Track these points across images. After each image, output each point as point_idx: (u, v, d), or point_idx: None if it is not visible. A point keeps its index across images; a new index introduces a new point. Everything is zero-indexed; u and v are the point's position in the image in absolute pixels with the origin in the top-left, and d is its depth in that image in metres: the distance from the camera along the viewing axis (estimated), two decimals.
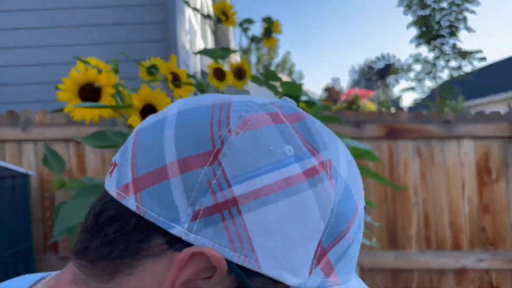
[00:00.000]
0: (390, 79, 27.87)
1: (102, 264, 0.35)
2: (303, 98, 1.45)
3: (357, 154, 1.52)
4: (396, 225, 2.48)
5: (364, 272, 2.42)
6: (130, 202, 0.34)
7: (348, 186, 0.36)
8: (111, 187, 0.36)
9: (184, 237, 0.32)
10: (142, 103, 0.82)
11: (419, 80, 9.58)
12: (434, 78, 8.99)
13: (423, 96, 11.98)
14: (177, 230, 0.32)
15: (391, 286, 2.45)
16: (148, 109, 0.82)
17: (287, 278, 0.33)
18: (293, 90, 1.43)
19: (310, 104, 1.42)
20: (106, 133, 0.92)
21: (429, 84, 9.76)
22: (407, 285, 2.45)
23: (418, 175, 2.49)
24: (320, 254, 0.34)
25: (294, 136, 0.35)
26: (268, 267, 0.33)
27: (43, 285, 0.40)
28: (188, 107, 0.36)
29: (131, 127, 0.89)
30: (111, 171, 0.37)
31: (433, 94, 9.60)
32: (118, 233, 0.34)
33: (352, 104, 10.29)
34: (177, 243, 0.33)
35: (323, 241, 0.34)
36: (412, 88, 10.02)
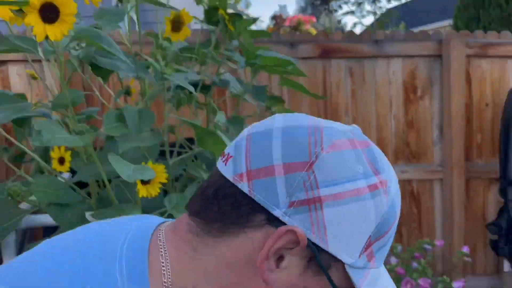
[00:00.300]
0: (333, 4, 27.66)
1: (216, 225, 0.49)
2: (230, 11, 1.41)
3: (290, 72, 1.53)
4: None
5: None
6: (244, 187, 0.48)
7: (394, 201, 0.50)
8: (228, 173, 0.49)
9: (281, 218, 0.46)
10: (41, 1, 0.75)
11: (359, 4, 9.60)
12: (374, 2, 9.03)
13: (362, 19, 12.08)
14: (277, 212, 0.46)
15: None
16: (48, 9, 0.76)
17: (343, 257, 0.48)
18: (219, 2, 1.38)
19: (237, 17, 1.39)
20: (8, 38, 0.85)
21: (368, 8, 9.82)
22: None
23: (349, 94, 2.57)
24: (368, 245, 0.49)
25: (364, 159, 0.49)
26: (333, 247, 0.47)
27: (165, 226, 0.54)
28: (290, 124, 0.50)
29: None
30: (226, 160, 0.51)
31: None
32: (232, 206, 0.48)
33: (296, 29, 10.19)
34: (275, 221, 0.47)
35: (371, 236, 0.49)
36: (352, 12, 10.05)
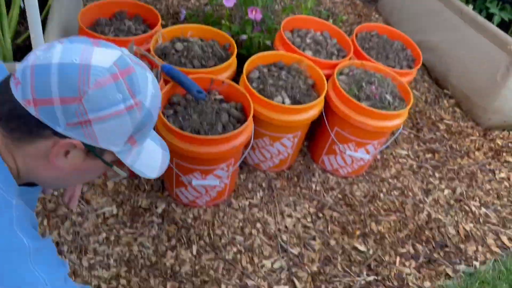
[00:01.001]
0: None
1: (16, 135, 0.69)
2: None
3: None
4: None
5: None
6: (31, 110, 0.66)
7: (149, 111, 0.74)
8: (18, 96, 0.66)
9: (63, 133, 0.68)
10: None
11: None
12: None
13: None
14: (59, 129, 0.68)
15: None
16: None
17: (112, 148, 0.73)
18: None
19: None
20: None
21: None
22: None
23: None
24: (129, 138, 0.74)
25: (124, 87, 0.69)
26: (103, 144, 0.72)
27: None
28: (65, 61, 0.66)
29: None
30: (16, 84, 0.67)
31: None
32: (25, 124, 0.67)
33: None
34: (59, 134, 0.68)
35: (132, 133, 0.74)
36: None
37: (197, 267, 1.61)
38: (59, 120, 0.66)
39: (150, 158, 0.82)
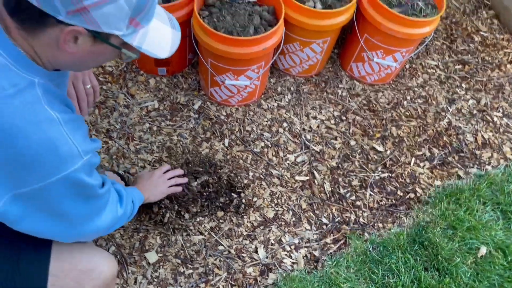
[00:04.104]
0: None
1: (27, 25, 0.76)
2: None
3: None
4: None
5: None
6: (34, 1, 0.72)
7: None
8: None
9: (65, 21, 0.74)
10: None
11: None
12: None
13: None
14: (61, 17, 0.74)
15: None
16: None
17: (116, 32, 0.79)
18: None
19: None
20: None
21: None
22: None
23: None
24: (131, 20, 0.80)
25: None
26: (105, 29, 0.78)
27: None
28: None
29: None
30: None
31: None
32: (31, 14, 0.74)
33: None
34: (63, 23, 0.75)
35: (131, 15, 0.79)
36: None
37: (228, 157, 1.82)
38: (59, 9, 0.72)
39: (159, 39, 0.87)
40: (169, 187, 1.56)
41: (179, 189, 1.61)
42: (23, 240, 0.97)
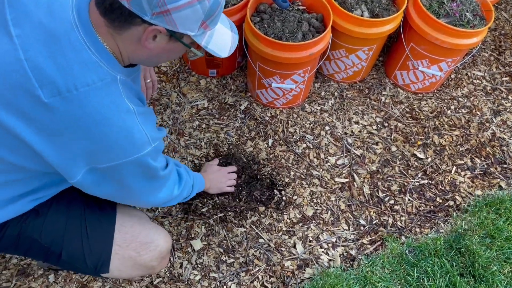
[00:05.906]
0: None
1: (116, 24, 0.89)
2: None
3: None
4: None
5: None
6: (125, 3, 0.84)
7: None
8: None
9: (150, 21, 0.86)
10: None
11: None
12: None
13: None
14: (146, 18, 0.86)
15: None
16: None
17: (189, 33, 0.91)
18: None
19: None
20: None
21: None
22: None
23: None
24: (202, 23, 0.91)
25: None
26: (181, 29, 0.89)
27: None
28: None
29: None
30: None
31: None
32: (121, 14, 0.86)
33: None
34: (147, 22, 0.87)
35: (204, 19, 0.90)
36: None
37: (271, 156, 1.91)
38: (146, 11, 0.84)
39: (222, 40, 1.00)
40: (227, 186, 1.72)
41: (233, 189, 1.75)
42: (91, 211, 1.13)
